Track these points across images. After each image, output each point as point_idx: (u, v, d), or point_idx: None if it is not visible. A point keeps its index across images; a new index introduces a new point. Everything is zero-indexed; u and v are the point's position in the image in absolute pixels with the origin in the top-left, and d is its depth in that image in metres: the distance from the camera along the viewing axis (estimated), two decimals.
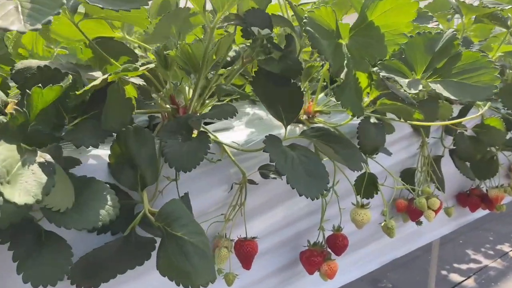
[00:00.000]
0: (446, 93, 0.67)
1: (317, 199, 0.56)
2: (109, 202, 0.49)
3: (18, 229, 0.47)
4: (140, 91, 0.61)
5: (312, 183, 0.57)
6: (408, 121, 0.92)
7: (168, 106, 0.66)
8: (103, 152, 0.58)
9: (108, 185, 0.51)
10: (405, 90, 0.69)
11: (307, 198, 0.56)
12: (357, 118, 0.72)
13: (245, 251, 0.70)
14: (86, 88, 0.51)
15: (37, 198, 0.38)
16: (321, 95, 0.84)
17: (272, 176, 0.68)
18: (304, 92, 0.76)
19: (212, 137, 0.69)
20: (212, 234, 0.72)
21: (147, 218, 0.56)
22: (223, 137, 0.72)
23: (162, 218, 0.53)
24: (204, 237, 0.53)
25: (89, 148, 0.60)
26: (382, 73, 0.71)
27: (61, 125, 0.54)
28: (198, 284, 0.50)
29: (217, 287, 0.74)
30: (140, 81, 0.54)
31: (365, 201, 0.83)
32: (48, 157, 0.41)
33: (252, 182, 0.71)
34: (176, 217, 0.52)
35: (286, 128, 0.66)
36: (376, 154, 0.86)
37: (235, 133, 0.76)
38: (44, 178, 0.39)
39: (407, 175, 0.99)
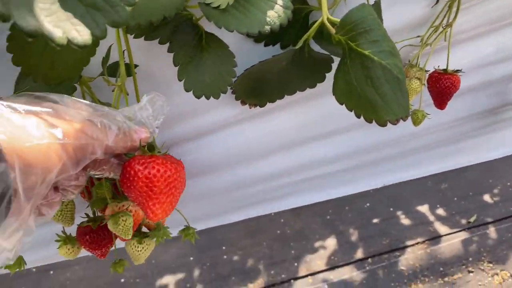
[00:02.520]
0: None
1: None
2: (280, 1, 0.37)
3: (176, 29, 0.40)
4: None
5: None
6: None
7: None
8: None
9: None
10: None
11: None
12: None
13: (443, 86, 0.55)
14: None
15: None
16: None
17: None
18: None
19: None
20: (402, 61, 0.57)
21: (326, 29, 0.43)
22: None
23: (345, 29, 0.39)
24: (399, 61, 0.39)
25: None
26: None
27: None
28: (385, 120, 0.38)
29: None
30: None
31: None
32: None
33: None
34: (364, 30, 0.38)
35: None
36: None
37: None
38: None
39: None
